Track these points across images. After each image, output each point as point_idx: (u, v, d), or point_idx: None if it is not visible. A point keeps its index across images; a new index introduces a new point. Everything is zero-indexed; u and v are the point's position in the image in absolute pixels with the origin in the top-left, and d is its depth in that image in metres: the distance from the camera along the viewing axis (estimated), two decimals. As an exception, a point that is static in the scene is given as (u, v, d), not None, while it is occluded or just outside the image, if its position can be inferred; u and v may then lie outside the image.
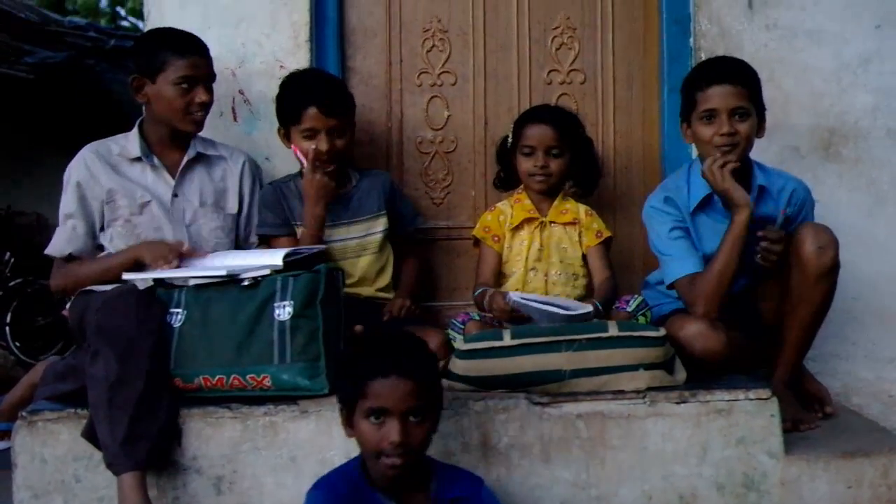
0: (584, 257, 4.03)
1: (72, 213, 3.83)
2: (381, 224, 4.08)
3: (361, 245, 4.06)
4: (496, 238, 4.02)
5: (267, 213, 4.02)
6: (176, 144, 3.91)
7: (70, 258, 3.84)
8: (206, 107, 3.85)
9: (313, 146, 3.89)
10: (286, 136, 4.03)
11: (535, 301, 3.55)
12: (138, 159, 3.88)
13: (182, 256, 3.60)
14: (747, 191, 3.66)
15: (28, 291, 9.69)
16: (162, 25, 4.13)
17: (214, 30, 4.23)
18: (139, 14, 16.09)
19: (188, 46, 3.83)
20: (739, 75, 3.70)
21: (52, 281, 3.89)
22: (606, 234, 4.06)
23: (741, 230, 3.54)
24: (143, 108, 3.95)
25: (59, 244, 3.83)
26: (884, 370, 4.37)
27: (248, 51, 4.32)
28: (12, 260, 9.85)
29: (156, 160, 3.87)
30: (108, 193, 3.80)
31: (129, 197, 3.81)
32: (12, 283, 9.65)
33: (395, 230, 4.15)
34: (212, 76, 3.89)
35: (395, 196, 4.19)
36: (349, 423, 2.86)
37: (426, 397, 2.82)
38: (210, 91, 3.86)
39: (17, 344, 9.29)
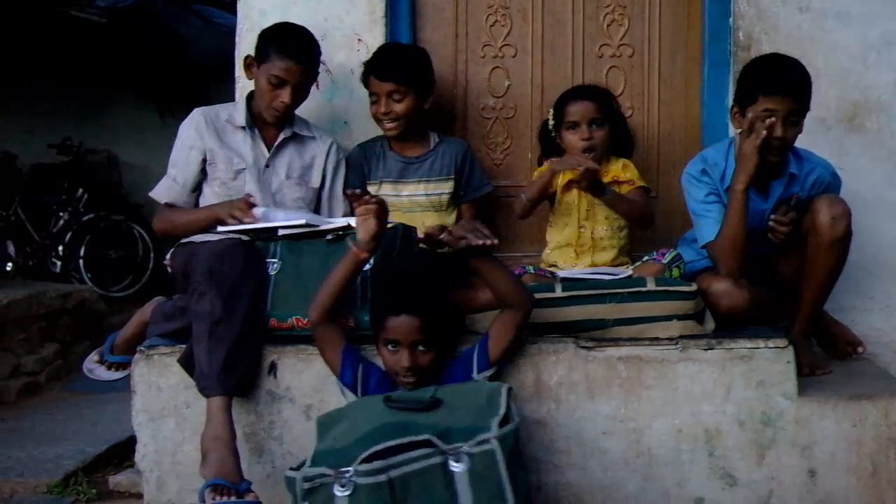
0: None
1: (176, 166, 4.20)
2: (447, 186, 4.38)
3: (429, 202, 4.37)
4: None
5: (349, 172, 4.39)
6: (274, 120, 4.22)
7: (169, 206, 4.21)
8: (287, 108, 4.13)
9: (381, 110, 4.26)
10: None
11: (582, 275, 3.94)
12: (242, 128, 4.20)
13: (251, 206, 3.94)
14: (780, 176, 3.95)
15: (101, 226, 10.02)
16: (252, 1, 4.53)
17: (299, 6, 4.53)
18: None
19: (290, 50, 4.08)
20: (801, 90, 3.88)
21: (155, 223, 4.34)
22: (640, 183, 4.28)
23: (742, 198, 3.78)
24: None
25: (161, 191, 4.23)
26: (898, 322, 4.59)
27: (330, 25, 4.57)
28: (85, 196, 10.12)
29: (257, 131, 4.21)
30: (210, 154, 4.13)
31: (226, 162, 4.14)
32: (85, 219, 9.97)
33: (464, 195, 4.44)
34: (303, 83, 4.15)
35: (467, 164, 4.42)
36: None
37: (433, 331, 3.36)
38: (296, 95, 4.13)
39: (90, 275, 9.69)
